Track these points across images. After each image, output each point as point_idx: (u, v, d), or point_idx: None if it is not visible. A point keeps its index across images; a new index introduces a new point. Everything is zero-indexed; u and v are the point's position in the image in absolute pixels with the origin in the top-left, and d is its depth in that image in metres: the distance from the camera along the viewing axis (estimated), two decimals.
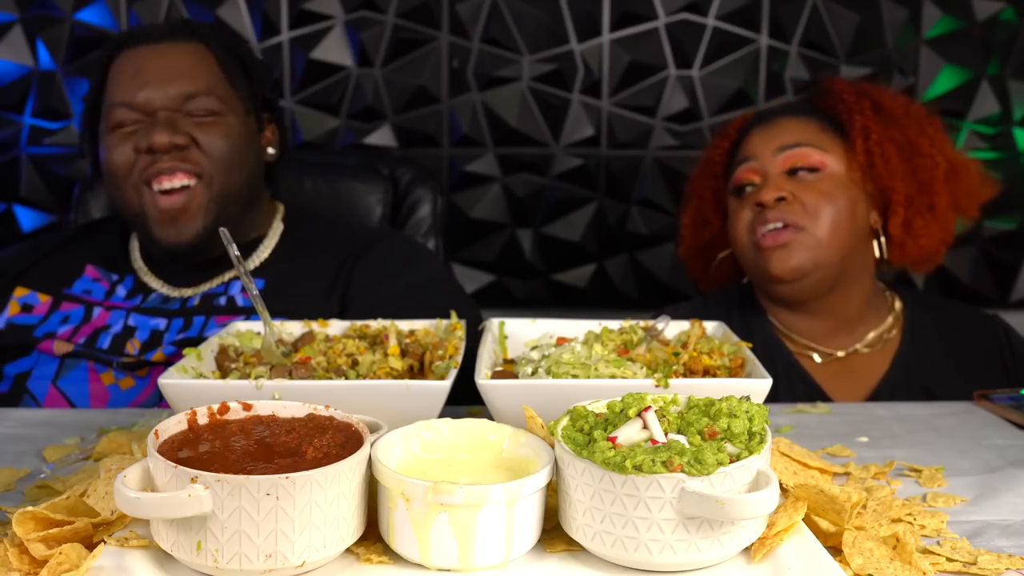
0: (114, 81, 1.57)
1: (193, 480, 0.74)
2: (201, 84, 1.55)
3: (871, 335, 1.69)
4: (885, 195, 1.67)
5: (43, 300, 1.60)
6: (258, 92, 1.66)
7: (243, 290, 1.58)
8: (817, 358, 1.67)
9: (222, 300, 1.57)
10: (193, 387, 1.01)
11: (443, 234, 2.10)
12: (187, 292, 1.60)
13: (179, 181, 1.51)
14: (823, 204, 1.60)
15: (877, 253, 1.70)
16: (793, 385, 1.62)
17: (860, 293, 1.68)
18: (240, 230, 1.61)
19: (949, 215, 1.70)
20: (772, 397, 1.59)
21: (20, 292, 1.61)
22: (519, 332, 1.27)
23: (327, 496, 0.76)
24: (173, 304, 1.58)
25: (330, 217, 1.84)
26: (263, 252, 1.66)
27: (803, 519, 0.85)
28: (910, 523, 0.93)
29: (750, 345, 1.16)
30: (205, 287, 1.61)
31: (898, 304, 1.74)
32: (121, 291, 1.61)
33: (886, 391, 1.63)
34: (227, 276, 1.62)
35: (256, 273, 1.63)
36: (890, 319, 1.71)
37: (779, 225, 1.59)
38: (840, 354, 1.67)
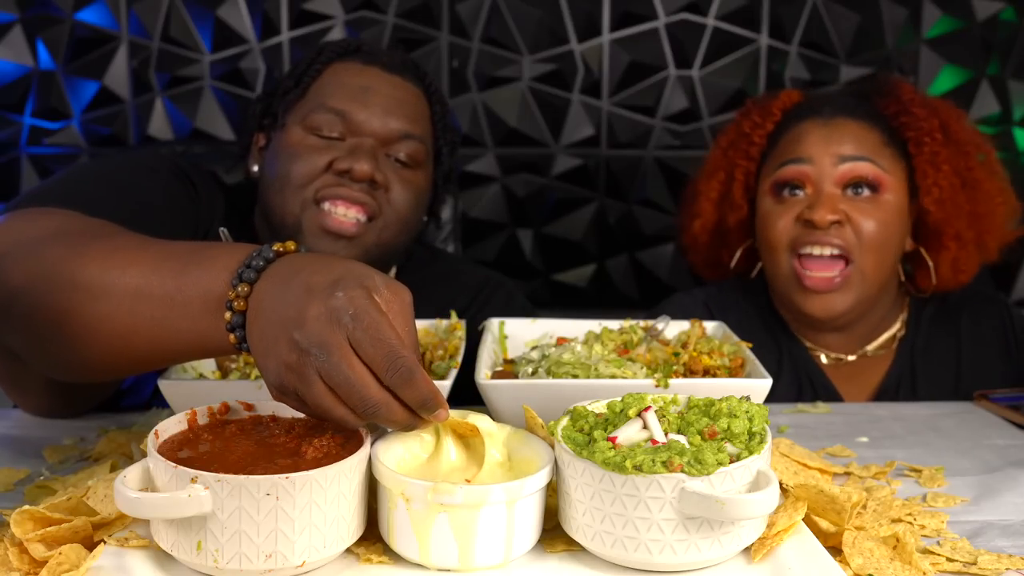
0: (332, 85, 1.49)
1: (193, 480, 0.74)
2: (418, 129, 1.50)
3: (883, 337, 1.66)
4: (936, 227, 1.58)
5: None
6: (444, 163, 1.62)
7: None
8: (824, 359, 1.65)
9: None
10: (193, 387, 1.01)
11: (461, 239, 2.08)
12: None
13: (355, 214, 1.43)
14: (877, 234, 1.51)
15: (902, 277, 1.64)
16: (801, 379, 1.61)
17: (879, 312, 1.64)
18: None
19: (994, 251, 1.64)
20: (784, 391, 1.58)
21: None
22: (519, 332, 1.27)
23: (327, 496, 0.76)
24: None
25: (432, 249, 1.80)
26: None
27: (803, 519, 0.85)
28: (910, 523, 0.93)
29: (750, 345, 1.16)
30: None
31: (907, 300, 1.71)
32: None
33: (892, 384, 1.62)
34: None
35: None
36: (902, 318, 1.68)
37: (826, 252, 1.51)
38: (851, 358, 1.64)
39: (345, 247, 1.43)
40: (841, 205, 1.51)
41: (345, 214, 1.43)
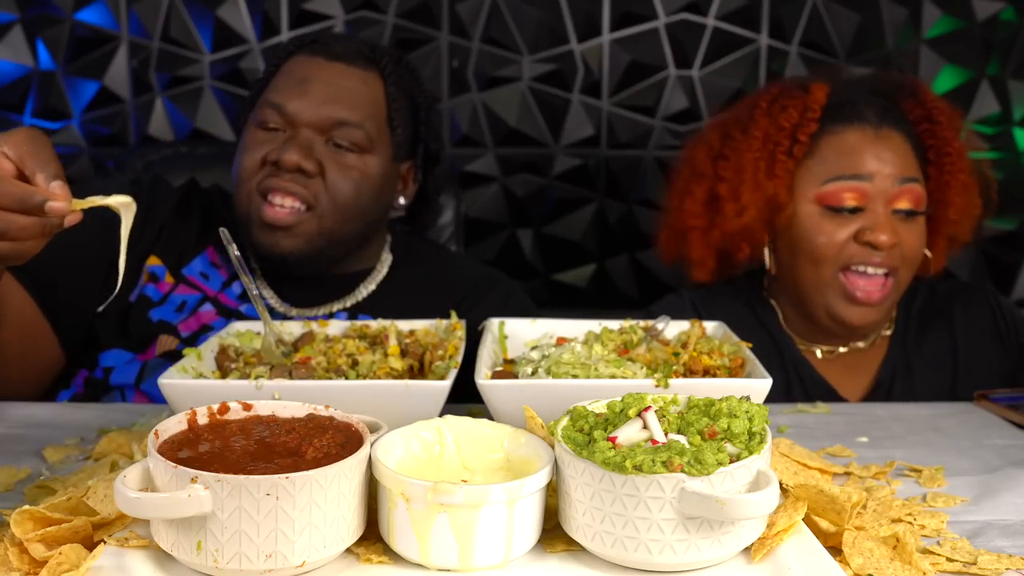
0: (279, 80, 1.53)
1: (193, 480, 0.74)
2: (357, 115, 1.50)
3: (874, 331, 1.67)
4: (947, 230, 1.65)
5: (168, 280, 1.55)
6: (420, 140, 1.62)
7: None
8: (819, 353, 1.66)
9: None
10: (193, 387, 1.01)
11: (463, 240, 2.08)
12: (292, 311, 1.55)
13: (290, 203, 1.46)
14: (917, 251, 1.56)
15: None
16: (803, 379, 1.61)
17: None
18: (345, 263, 1.59)
19: (969, 235, 1.70)
20: (783, 392, 1.59)
21: (152, 261, 1.56)
22: (519, 332, 1.27)
23: (327, 496, 0.76)
24: (276, 318, 1.52)
25: (434, 245, 1.80)
26: (370, 285, 1.61)
27: (803, 519, 0.85)
28: (910, 523, 0.93)
29: (750, 345, 1.16)
30: (311, 312, 1.56)
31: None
32: (236, 287, 1.56)
33: (887, 376, 1.63)
34: (335, 307, 1.58)
35: (363, 308, 1.58)
36: (893, 312, 1.69)
37: (880, 272, 1.53)
38: (842, 350, 1.66)
39: (284, 237, 1.48)
40: (896, 227, 1.53)
41: (282, 204, 1.47)
